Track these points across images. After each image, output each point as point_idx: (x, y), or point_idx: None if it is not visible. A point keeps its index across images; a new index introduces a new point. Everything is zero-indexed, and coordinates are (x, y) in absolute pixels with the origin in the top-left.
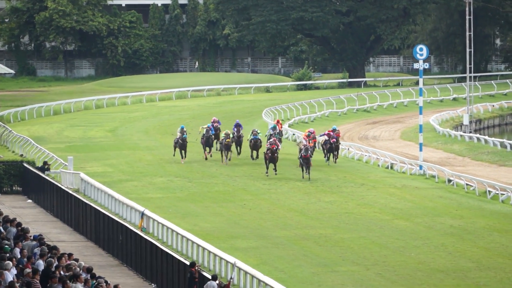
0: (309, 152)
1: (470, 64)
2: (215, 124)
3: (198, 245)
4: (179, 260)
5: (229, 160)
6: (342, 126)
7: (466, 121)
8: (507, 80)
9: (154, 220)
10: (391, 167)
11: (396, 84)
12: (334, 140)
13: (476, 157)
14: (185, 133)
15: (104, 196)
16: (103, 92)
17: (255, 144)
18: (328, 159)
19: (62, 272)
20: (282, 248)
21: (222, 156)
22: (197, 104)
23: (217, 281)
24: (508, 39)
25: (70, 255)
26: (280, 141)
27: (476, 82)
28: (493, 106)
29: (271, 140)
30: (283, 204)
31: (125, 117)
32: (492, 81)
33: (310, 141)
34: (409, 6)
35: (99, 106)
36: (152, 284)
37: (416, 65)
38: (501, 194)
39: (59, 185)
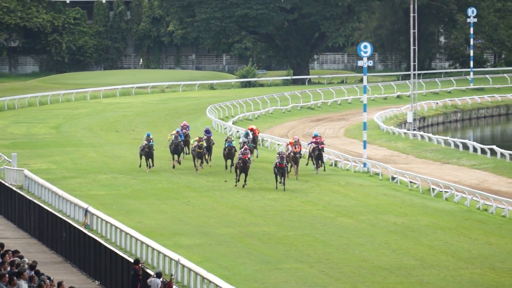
0: (285, 161)
1: (414, 61)
2: (183, 131)
3: (142, 242)
4: (122, 257)
5: (201, 168)
6: (286, 123)
7: (410, 119)
8: (451, 78)
9: (97, 217)
10: (335, 165)
11: (340, 82)
12: (323, 146)
13: (420, 154)
14: (151, 141)
15: (48, 193)
16: (47, 89)
17: (230, 152)
18: (317, 167)
19: (7, 269)
20: (226, 245)
21: (194, 164)
22: (141, 101)
23: (161, 278)
24: (452, 36)
25: (14, 252)
26: (255, 149)
27: (420, 80)
28: (437, 103)
29: (242, 149)
30: (227, 201)
31: (69, 114)
32: (436, 79)
33: (297, 147)
34: (354, 3)
35: (43, 103)
36: (96, 281)
37: (360, 63)
38: (445, 191)
39: (3, 181)
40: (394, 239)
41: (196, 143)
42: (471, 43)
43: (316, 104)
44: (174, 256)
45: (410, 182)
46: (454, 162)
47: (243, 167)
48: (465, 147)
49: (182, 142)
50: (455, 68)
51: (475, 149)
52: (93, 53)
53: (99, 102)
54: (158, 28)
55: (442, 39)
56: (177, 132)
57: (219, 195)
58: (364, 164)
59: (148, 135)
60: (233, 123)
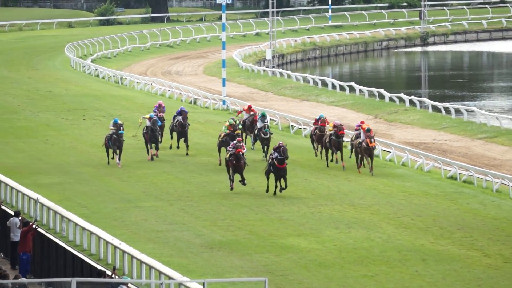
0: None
1: None
2: (160, 114)
3: (0, 181)
4: None
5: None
6: (145, 61)
7: (269, 56)
8: (310, 15)
9: None
10: (195, 102)
11: (199, 19)
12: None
13: (279, 92)
14: (121, 128)
15: None
16: None
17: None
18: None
19: None
20: (86, 184)
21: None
22: None
23: (20, 217)
24: None
25: None
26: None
27: (279, 17)
28: (296, 41)
29: (235, 142)
30: (86, 139)
31: None
32: (295, 16)
33: (372, 141)
34: None
35: None
36: None
37: (219, 0)
38: (304, 128)
39: None
40: (254, 176)
41: (147, 121)
42: None
43: (175, 42)
44: (33, 195)
45: (270, 119)
46: (313, 99)
47: (237, 166)
48: (324, 84)
49: (158, 128)
50: (314, 5)
51: (334, 86)
52: None
53: None
54: None
55: None
56: (152, 117)
57: (77, 133)
58: (224, 102)
59: (116, 122)
60: (91, 61)
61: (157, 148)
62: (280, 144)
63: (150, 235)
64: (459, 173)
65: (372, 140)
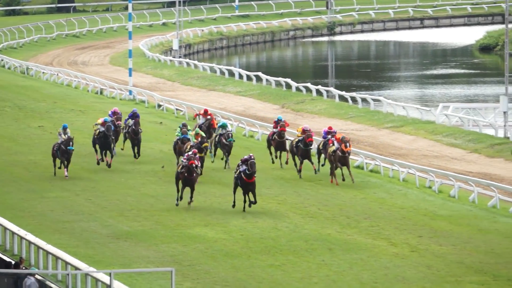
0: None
1: None
2: (118, 123)
3: None
4: None
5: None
6: (51, 52)
7: (175, 46)
8: (216, 5)
9: None
10: (101, 93)
11: (105, 9)
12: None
13: (185, 82)
14: (71, 144)
15: None
16: None
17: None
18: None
19: None
20: None
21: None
22: None
23: None
24: None
25: None
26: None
27: (186, 7)
28: (203, 31)
29: (190, 153)
30: None
31: None
32: (202, 6)
33: (348, 145)
34: None
35: None
36: None
37: None
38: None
39: None
40: (159, 166)
41: (100, 127)
42: None
43: (81, 32)
44: None
45: (177, 109)
46: (220, 89)
47: (188, 179)
48: (231, 74)
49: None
50: None
51: (241, 76)
52: None
53: None
54: None
55: None
56: (106, 121)
57: None
58: (130, 92)
59: (65, 128)
60: None
61: (112, 155)
62: (250, 157)
63: (57, 225)
64: (366, 163)
65: (348, 144)
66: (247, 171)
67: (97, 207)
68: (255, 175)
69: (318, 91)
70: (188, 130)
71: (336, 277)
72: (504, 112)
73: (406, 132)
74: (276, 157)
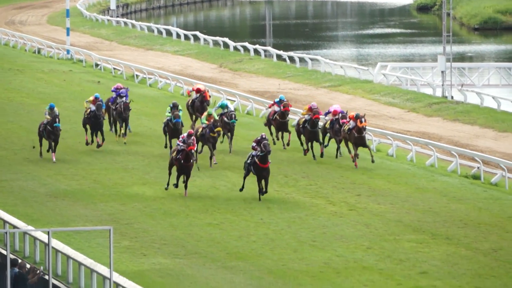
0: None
1: None
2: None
3: None
4: None
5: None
6: None
7: (113, 6)
8: None
9: None
10: (38, 52)
11: None
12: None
13: (123, 41)
14: (57, 120)
15: None
16: None
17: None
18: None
19: None
20: None
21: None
22: None
23: None
24: None
25: None
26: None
27: None
28: None
29: (185, 135)
30: None
31: None
32: None
33: (363, 120)
34: None
35: None
36: None
37: None
38: (149, 78)
39: None
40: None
41: (91, 105)
42: None
43: None
44: None
45: (114, 68)
46: (158, 49)
47: (184, 166)
48: (169, 33)
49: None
50: None
51: (178, 35)
52: None
53: None
54: None
55: None
56: (96, 98)
57: None
58: (68, 51)
59: (52, 107)
60: None
61: (102, 137)
62: (262, 137)
63: None
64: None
65: (363, 119)
66: (260, 153)
67: (35, 166)
68: (270, 160)
69: (256, 51)
70: (179, 110)
71: (275, 236)
72: (442, 72)
73: (344, 92)
74: (278, 139)
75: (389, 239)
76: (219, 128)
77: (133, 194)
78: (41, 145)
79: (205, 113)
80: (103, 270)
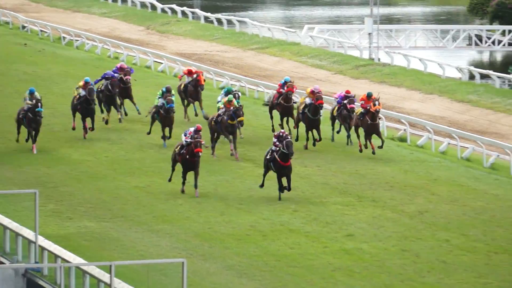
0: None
1: None
2: (126, 77)
3: None
4: None
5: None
6: None
7: None
8: None
9: None
10: None
11: None
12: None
13: (50, 3)
14: (39, 105)
15: None
16: None
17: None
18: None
19: None
20: None
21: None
22: None
23: None
24: None
25: None
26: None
27: None
28: None
29: (193, 129)
30: None
31: None
32: None
33: (376, 103)
34: None
35: None
36: None
37: None
38: (76, 40)
39: None
40: (24, 88)
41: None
42: None
43: None
44: None
45: (41, 30)
46: (85, 11)
47: (189, 162)
48: None
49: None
50: None
51: None
52: None
53: None
54: None
55: None
56: (87, 82)
57: None
58: None
59: (33, 92)
60: None
61: (92, 124)
62: (283, 134)
63: None
64: (231, 84)
65: (377, 102)
66: (282, 150)
67: None
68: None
69: (183, 13)
70: (172, 95)
71: (202, 199)
72: (369, 34)
73: (271, 54)
74: (281, 126)
75: (316, 201)
76: (242, 118)
77: (59, 157)
78: (18, 132)
79: (225, 98)
80: (29, 234)
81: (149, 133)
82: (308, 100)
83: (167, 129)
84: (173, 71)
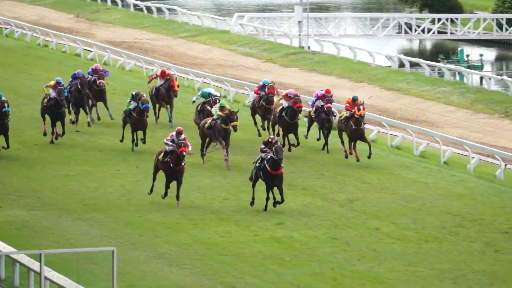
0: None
1: None
2: (99, 81)
3: None
4: None
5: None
6: None
7: None
8: None
9: None
10: None
11: None
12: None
13: None
14: (6, 105)
15: None
16: None
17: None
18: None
19: None
20: None
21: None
22: None
23: None
24: None
25: None
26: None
27: None
28: None
29: (175, 134)
30: None
31: None
32: None
33: (361, 108)
34: None
35: None
36: None
37: None
38: (5, 28)
39: None
40: None
41: (51, 91)
42: None
43: None
44: None
45: None
46: None
47: (173, 170)
48: None
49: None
50: None
51: None
52: None
53: None
54: None
55: None
56: (58, 83)
57: None
58: None
59: None
60: None
61: (63, 128)
62: (272, 140)
63: None
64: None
65: (362, 107)
66: (273, 156)
67: None
68: (283, 165)
69: (113, 1)
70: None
71: (131, 187)
72: (299, 22)
73: (201, 42)
74: (264, 129)
75: (246, 190)
76: (235, 123)
77: None
78: None
79: (217, 105)
80: None
81: (121, 140)
82: (285, 103)
83: (140, 133)
84: (102, 59)
